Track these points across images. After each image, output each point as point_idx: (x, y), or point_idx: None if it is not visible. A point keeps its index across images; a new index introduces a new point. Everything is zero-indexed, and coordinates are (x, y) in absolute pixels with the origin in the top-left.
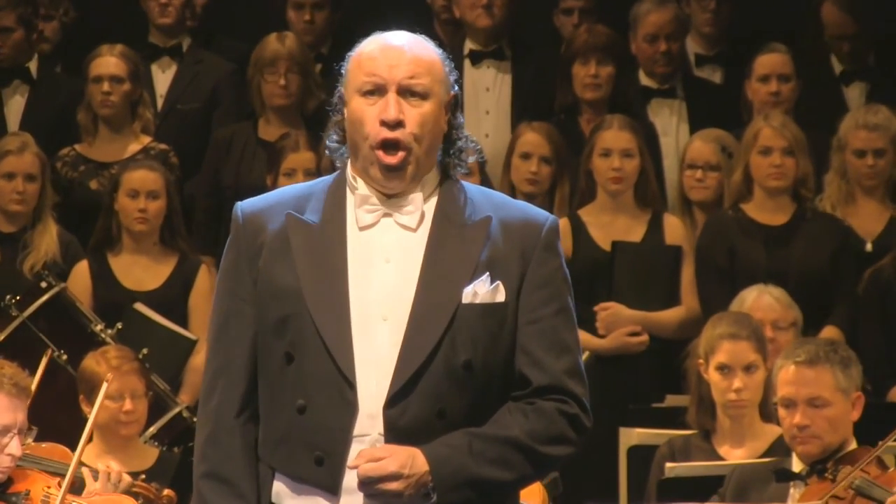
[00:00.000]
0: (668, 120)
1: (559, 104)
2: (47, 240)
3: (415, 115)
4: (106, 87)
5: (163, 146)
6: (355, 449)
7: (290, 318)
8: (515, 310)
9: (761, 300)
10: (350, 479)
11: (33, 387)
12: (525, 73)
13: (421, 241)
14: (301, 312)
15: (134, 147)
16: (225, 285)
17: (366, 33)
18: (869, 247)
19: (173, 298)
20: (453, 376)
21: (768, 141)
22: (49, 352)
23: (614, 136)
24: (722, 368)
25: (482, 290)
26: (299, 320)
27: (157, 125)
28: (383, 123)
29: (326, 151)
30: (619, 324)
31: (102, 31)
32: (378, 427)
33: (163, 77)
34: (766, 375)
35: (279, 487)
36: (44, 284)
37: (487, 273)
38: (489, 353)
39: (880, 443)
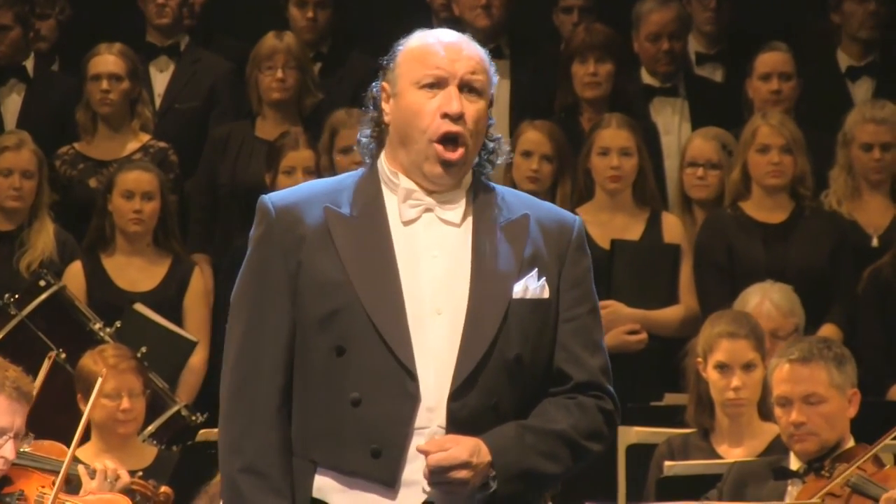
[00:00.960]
0: (670, 119)
1: (560, 104)
2: (44, 238)
3: (472, 111)
4: (105, 84)
5: (162, 144)
6: (415, 441)
7: (340, 311)
8: (557, 306)
9: (761, 308)
10: (409, 472)
11: (35, 390)
12: (524, 72)
13: (465, 236)
14: (352, 305)
15: (133, 145)
16: (256, 278)
17: (365, 33)
18: (875, 242)
19: (169, 300)
20: (507, 370)
21: (766, 139)
22: (52, 355)
23: (612, 135)
24: (720, 367)
25: (532, 286)
26: (350, 313)
27: (155, 124)
28: (445, 116)
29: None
30: (618, 322)
31: (99, 30)
32: (437, 420)
33: (161, 76)
34: (764, 374)
35: (323, 482)
36: (42, 283)
37: (536, 269)
38: (537, 347)
39: (877, 441)
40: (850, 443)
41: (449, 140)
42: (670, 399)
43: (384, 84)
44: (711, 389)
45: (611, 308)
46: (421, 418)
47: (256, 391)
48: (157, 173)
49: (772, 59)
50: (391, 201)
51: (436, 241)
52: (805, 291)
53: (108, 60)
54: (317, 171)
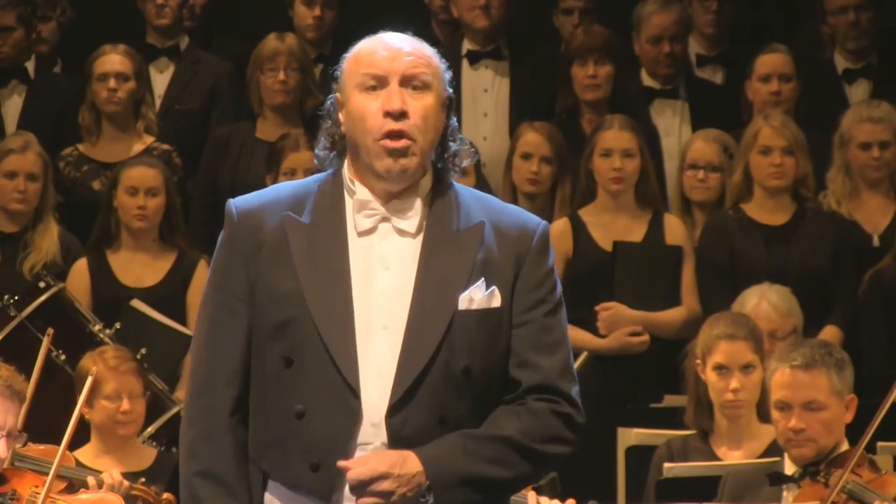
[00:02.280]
0: (670, 121)
1: (560, 107)
2: (48, 240)
3: (417, 106)
4: (112, 83)
5: (166, 146)
6: (357, 457)
7: (291, 322)
8: (510, 314)
9: (759, 309)
10: (346, 487)
11: (35, 372)
12: (523, 74)
13: (418, 247)
14: (303, 317)
15: (137, 147)
16: (218, 282)
17: (365, 34)
18: (876, 241)
19: (171, 295)
20: (453, 383)
21: (768, 140)
22: (51, 332)
23: (615, 136)
24: (719, 369)
25: (478, 296)
26: (301, 324)
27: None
28: (387, 115)
29: (315, 161)
30: (620, 324)
31: (100, 32)
32: (381, 436)
33: (161, 78)
34: (763, 375)
35: (272, 490)
36: (42, 284)
37: (483, 279)
38: (487, 358)
39: (860, 440)
40: (845, 446)
41: (393, 136)
42: (670, 401)
43: (337, 94)
44: (710, 391)
45: (613, 310)
46: (365, 434)
47: (213, 396)
48: (162, 169)
49: (772, 61)
50: (350, 210)
51: (389, 253)
52: (807, 293)
53: (114, 60)
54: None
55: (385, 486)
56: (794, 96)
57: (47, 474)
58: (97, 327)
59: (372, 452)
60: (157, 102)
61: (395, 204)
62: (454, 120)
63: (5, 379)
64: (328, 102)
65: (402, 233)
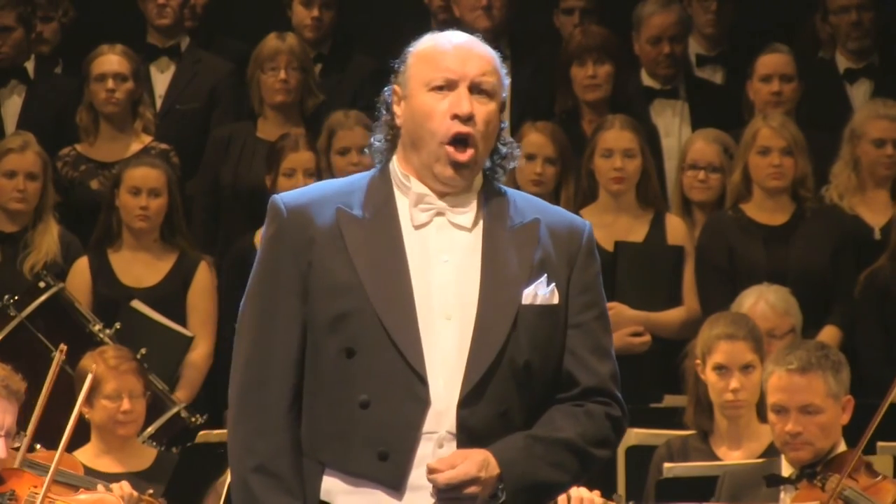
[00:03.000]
0: (670, 121)
1: (560, 107)
2: (48, 240)
3: (483, 112)
4: (110, 84)
5: (164, 146)
6: (423, 445)
7: (351, 314)
8: (566, 312)
9: (756, 308)
10: (415, 476)
11: (46, 387)
12: (524, 74)
13: (476, 241)
14: (363, 308)
15: (135, 147)
16: (267, 277)
17: (364, 33)
18: (877, 234)
19: (171, 295)
20: (516, 377)
21: (767, 141)
22: (63, 348)
23: (616, 136)
24: (719, 369)
25: (541, 292)
26: (361, 316)
27: (156, 125)
28: (455, 117)
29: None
30: (622, 324)
31: (101, 32)
32: (446, 425)
33: (161, 77)
34: (762, 375)
35: (331, 484)
36: (42, 284)
37: (545, 275)
38: (546, 354)
39: (858, 445)
40: (842, 447)
41: (459, 141)
42: (670, 401)
43: (395, 87)
44: (710, 391)
45: (614, 310)
46: (430, 423)
47: (268, 391)
48: (165, 170)
49: (773, 61)
50: (403, 204)
51: (447, 246)
52: (806, 293)
53: (112, 60)
54: (317, 173)
55: (472, 490)
56: (795, 96)
57: (62, 485)
58: (97, 327)
59: (456, 453)
60: (158, 102)
61: (450, 199)
62: (505, 122)
63: (2, 379)
64: (385, 93)
65: (457, 227)
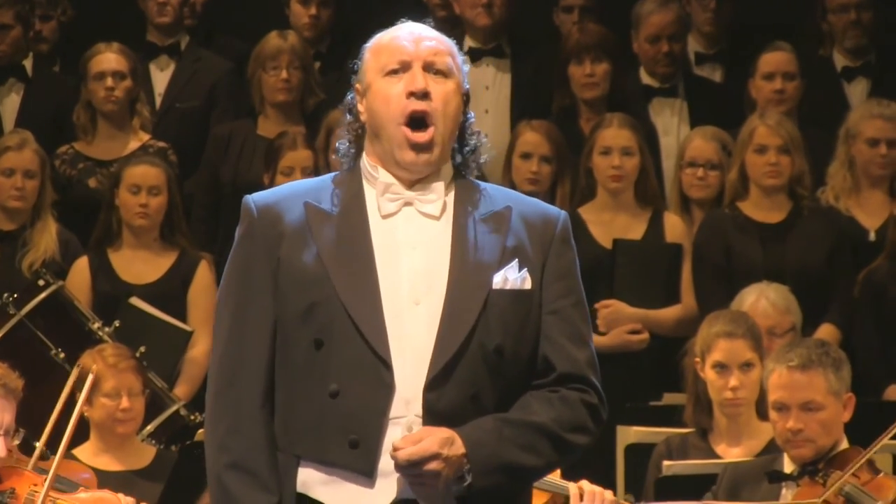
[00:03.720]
0: (669, 119)
1: (557, 106)
2: (46, 238)
3: (440, 91)
4: (109, 82)
5: (161, 144)
6: (391, 432)
7: (319, 305)
8: (539, 298)
9: (758, 306)
10: (385, 462)
11: (60, 402)
12: (524, 71)
13: (445, 229)
14: (330, 298)
15: (133, 145)
16: (239, 276)
17: (364, 32)
18: (872, 236)
19: (171, 292)
20: (486, 361)
21: (763, 139)
22: (83, 364)
23: (614, 135)
24: (718, 367)
25: (512, 277)
26: (328, 306)
27: (155, 124)
28: (411, 95)
29: (333, 155)
30: (620, 321)
31: (100, 30)
32: (414, 410)
33: (161, 76)
34: (762, 373)
35: (306, 476)
36: (41, 282)
37: (516, 260)
38: (518, 339)
39: (870, 447)
40: (844, 444)
41: (416, 121)
42: (669, 399)
43: (356, 85)
44: (709, 389)
45: (612, 307)
46: (397, 408)
47: (241, 389)
48: (165, 168)
49: (775, 59)
50: (371, 196)
51: (415, 234)
52: (803, 291)
53: (110, 59)
54: (315, 172)
55: (433, 466)
56: (797, 94)
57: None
58: (96, 325)
59: (421, 430)
60: (158, 100)
61: (418, 188)
62: (472, 115)
63: (0, 377)
64: (348, 98)
65: (426, 216)
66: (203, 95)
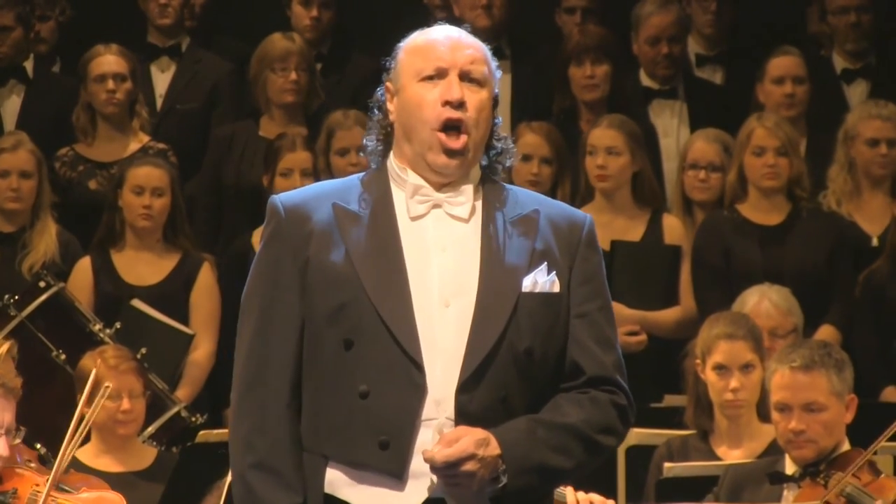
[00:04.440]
0: (669, 121)
1: (558, 107)
2: (46, 240)
3: (474, 99)
4: (111, 85)
5: (161, 145)
6: (423, 433)
7: (348, 305)
8: (568, 302)
9: (760, 307)
10: (416, 463)
11: (79, 406)
12: (524, 73)
13: (474, 231)
14: (360, 298)
15: (134, 146)
16: (265, 276)
17: (364, 33)
18: (875, 241)
19: (173, 294)
20: (516, 364)
21: (761, 141)
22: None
23: (600, 135)
24: (719, 368)
25: (541, 280)
26: (358, 306)
27: (156, 125)
28: (446, 104)
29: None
30: (619, 323)
31: (100, 32)
32: (445, 412)
33: (162, 77)
34: (763, 375)
35: (334, 476)
36: (42, 284)
37: (545, 263)
38: (547, 341)
39: (869, 448)
40: (846, 446)
41: (451, 127)
42: (669, 400)
43: (388, 84)
44: (710, 391)
45: None
46: (429, 410)
47: (267, 388)
48: (168, 169)
49: (785, 63)
50: (399, 198)
51: (444, 236)
52: (802, 293)
53: (110, 61)
54: (314, 173)
55: (469, 466)
56: (806, 98)
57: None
58: (97, 327)
59: (458, 428)
60: (159, 102)
61: (447, 191)
62: (499, 119)
63: (0, 377)
64: (378, 94)
65: (455, 218)
66: (203, 97)
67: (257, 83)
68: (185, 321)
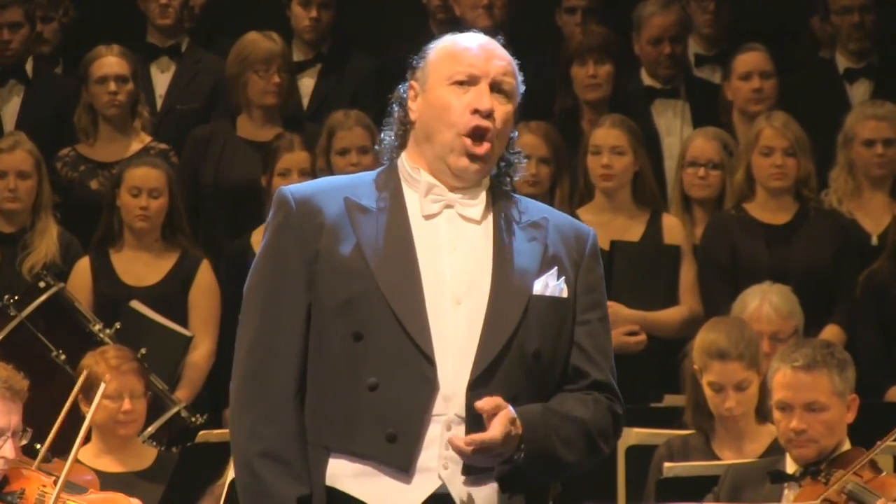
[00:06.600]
0: (671, 121)
1: (559, 107)
2: (47, 240)
3: (501, 112)
4: (112, 86)
5: (163, 146)
6: (432, 428)
7: (360, 298)
8: (574, 308)
9: (761, 311)
10: (424, 458)
11: (67, 404)
12: (524, 73)
13: (486, 233)
14: (371, 291)
15: (135, 146)
16: (273, 266)
17: (364, 33)
18: (874, 240)
19: (172, 294)
20: (525, 365)
21: (770, 141)
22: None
23: (604, 134)
24: (714, 386)
25: (552, 284)
26: (369, 299)
27: (156, 125)
28: (475, 112)
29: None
30: (618, 323)
31: (101, 32)
32: (454, 408)
33: (162, 77)
34: (760, 382)
35: (336, 468)
36: (42, 284)
37: (555, 268)
38: (554, 345)
39: (873, 447)
40: (847, 446)
41: (477, 135)
42: (669, 400)
43: (413, 83)
44: (708, 401)
45: (610, 309)
46: (438, 405)
47: (273, 377)
48: (166, 170)
49: (751, 59)
50: (411, 197)
51: (456, 236)
52: (807, 292)
53: (112, 62)
54: (312, 173)
55: (499, 448)
56: (774, 93)
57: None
58: (97, 327)
59: (495, 398)
60: (159, 102)
61: (460, 193)
62: (515, 133)
63: (5, 380)
64: (399, 90)
65: (466, 219)
66: (203, 97)
67: (237, 83)
68: (184, 321)
